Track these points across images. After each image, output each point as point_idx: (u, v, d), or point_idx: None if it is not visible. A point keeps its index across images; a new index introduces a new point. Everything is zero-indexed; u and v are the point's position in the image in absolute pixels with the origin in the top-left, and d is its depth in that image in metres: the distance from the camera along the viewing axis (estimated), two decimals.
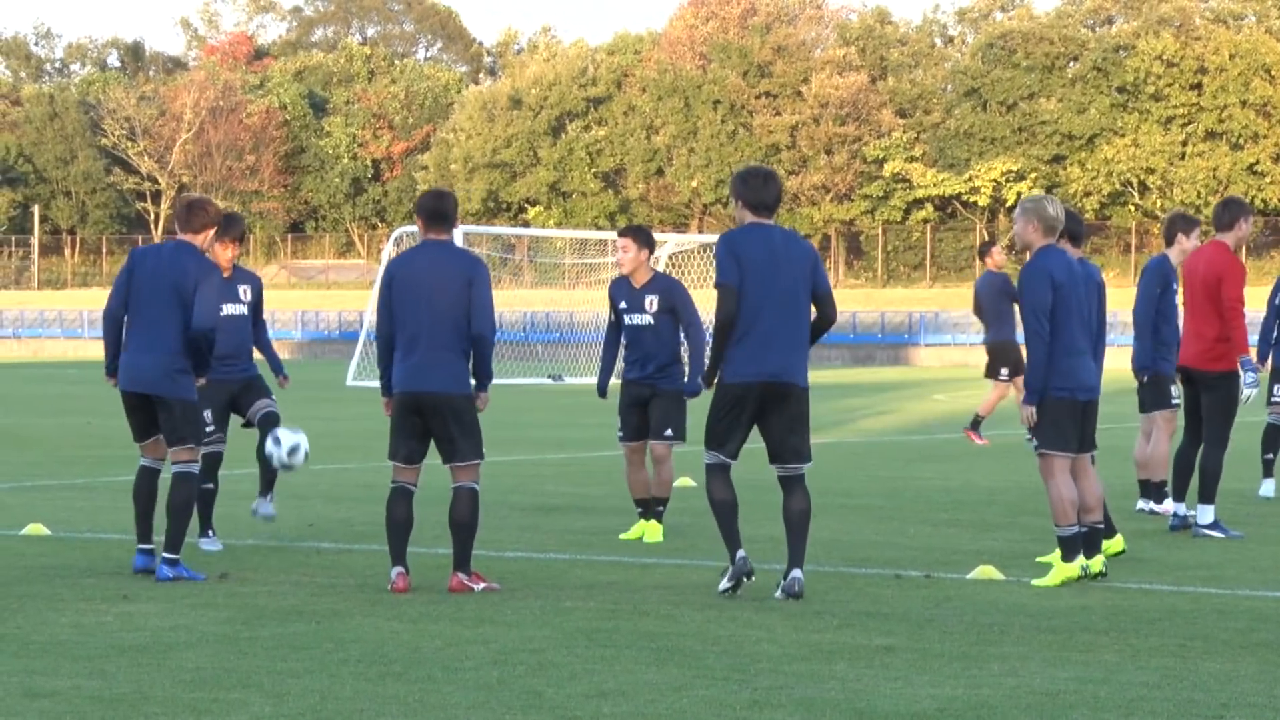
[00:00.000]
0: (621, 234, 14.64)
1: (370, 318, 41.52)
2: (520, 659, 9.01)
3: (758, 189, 11.17)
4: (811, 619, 10.28)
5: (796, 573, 11.06)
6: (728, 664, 8.92)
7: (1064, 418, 11.81)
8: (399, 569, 11.35)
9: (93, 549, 13.40)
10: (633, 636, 9.67)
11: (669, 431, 14.40)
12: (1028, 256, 12.02)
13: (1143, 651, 9.34)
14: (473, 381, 11.40)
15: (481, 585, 11.29)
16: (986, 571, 12.07)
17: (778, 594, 11.04)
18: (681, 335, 14.41)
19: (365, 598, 11.07)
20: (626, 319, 14.44)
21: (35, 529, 14.32)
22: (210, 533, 13.57)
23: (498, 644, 9.43)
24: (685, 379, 14.42)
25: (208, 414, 13.19)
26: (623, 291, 14.49)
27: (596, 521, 15.54)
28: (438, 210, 11.45)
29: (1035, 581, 11.74)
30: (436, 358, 11.28)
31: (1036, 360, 11.72)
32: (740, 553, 11.11)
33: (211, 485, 13.50)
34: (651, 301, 14.40)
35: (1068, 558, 11.77)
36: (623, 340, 14.54)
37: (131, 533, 14.45)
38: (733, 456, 11.21)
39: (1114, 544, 12.81)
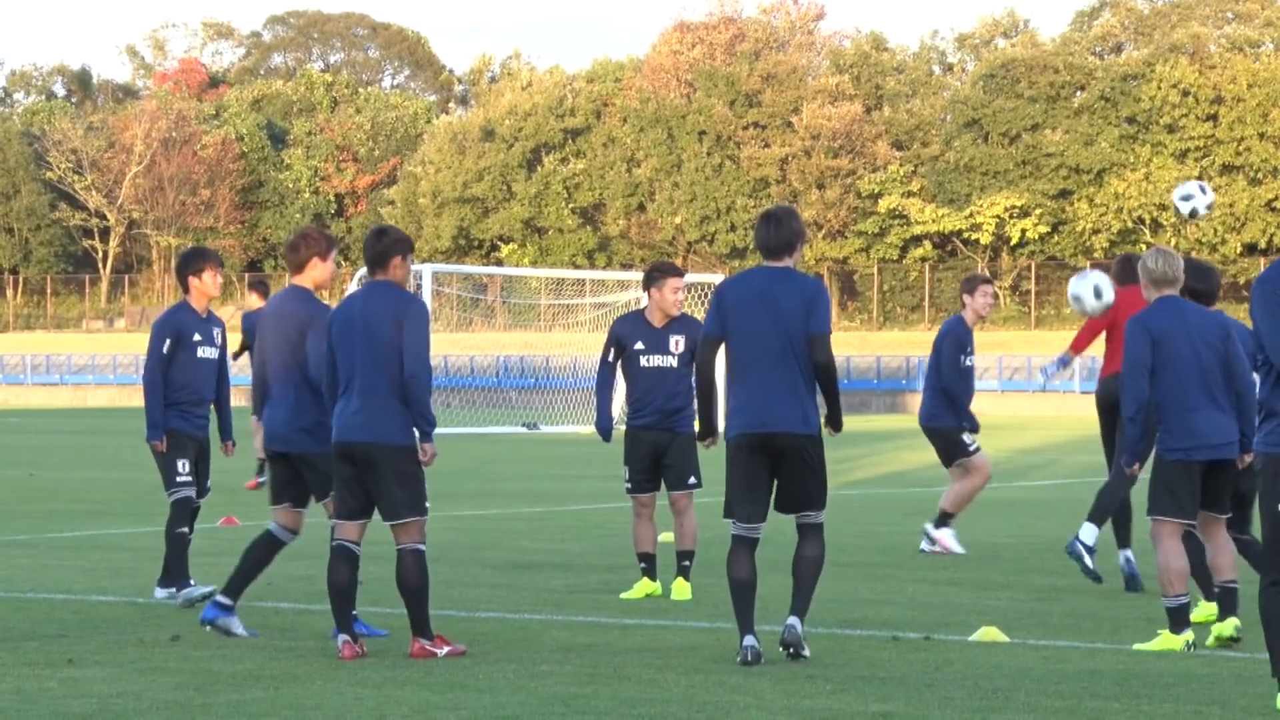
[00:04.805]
0: (671, 272, 14.40)
1: None
2: None
3: (761, 232, 11.22)
4: (803, 683, 10.27)
5: (792, 620, 11.05)
6: None
7: (1179, 480, 11.73)
8: (344, 637, 11.25)
9: (35, 609, 13.36)
10: (612, 703, 9.66)
11: (692, 480, 14.38)
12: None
13: (1155, 718, 9.34)
14: (416, 432, 11.31)
15: (446, 649, 11.21)
16: (990, 633, 12.07)
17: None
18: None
19: (326, 661, 11.05)
20: (642, 360, 14.27)
21: None
22: (186, 583, 13.76)
23: (468, 710, 9.41)
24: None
25: (184, 464, 13.77)
26: (639, 331, 14.33)
27: (574, 579, 15.53)
28: (372, 253, 11.40)
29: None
30: (369, 405, 11.20)
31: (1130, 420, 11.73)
32: (749, 640, 10.98)
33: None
34: (678, 342, 14.27)
35: (1175, 629, 11.75)
36: (619, 382, 14.42)
37: (76, 593, 14.44)
38: (750, 521, 11.11)
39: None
